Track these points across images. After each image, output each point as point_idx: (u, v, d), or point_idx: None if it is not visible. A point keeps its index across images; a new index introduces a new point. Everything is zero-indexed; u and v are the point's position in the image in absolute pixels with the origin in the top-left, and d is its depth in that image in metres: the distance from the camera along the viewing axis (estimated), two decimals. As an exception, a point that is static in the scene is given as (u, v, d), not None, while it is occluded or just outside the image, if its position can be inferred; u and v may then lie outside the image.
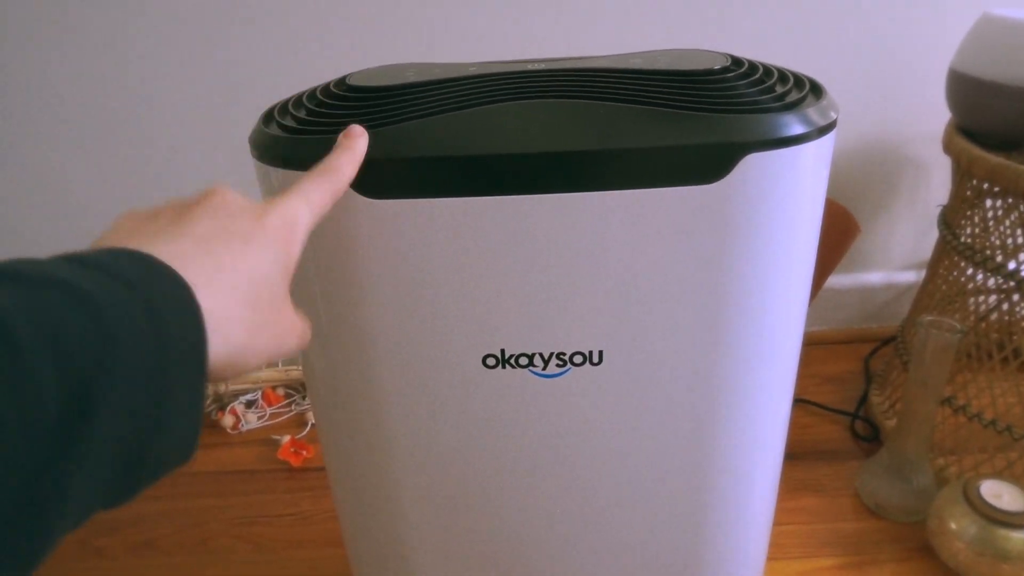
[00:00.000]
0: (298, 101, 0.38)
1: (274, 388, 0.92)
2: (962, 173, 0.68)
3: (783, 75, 0.37)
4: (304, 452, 0.82)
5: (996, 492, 0.62)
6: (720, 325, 0.36)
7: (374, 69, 0.40)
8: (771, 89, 0.35)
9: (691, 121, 0.32)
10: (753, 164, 0.32)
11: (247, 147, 0.36)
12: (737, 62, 0.38)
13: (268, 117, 0.37)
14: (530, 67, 0.39)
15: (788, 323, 0.38)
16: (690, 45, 0.72)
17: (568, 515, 0.42)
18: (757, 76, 0.36)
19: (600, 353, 0.36)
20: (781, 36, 0.83)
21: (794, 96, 0.35)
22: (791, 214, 0.34)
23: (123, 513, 0.76)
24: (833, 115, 0.35)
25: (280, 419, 0.89)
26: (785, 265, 0.35)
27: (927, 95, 0.81)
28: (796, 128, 0.33)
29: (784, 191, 0.33)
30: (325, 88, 0.38)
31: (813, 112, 0.34)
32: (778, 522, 0.70)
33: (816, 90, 0.36)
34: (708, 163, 0.32)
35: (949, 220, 0.72)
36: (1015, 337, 0.67)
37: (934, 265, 0.76)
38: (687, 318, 0.35)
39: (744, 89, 0.35)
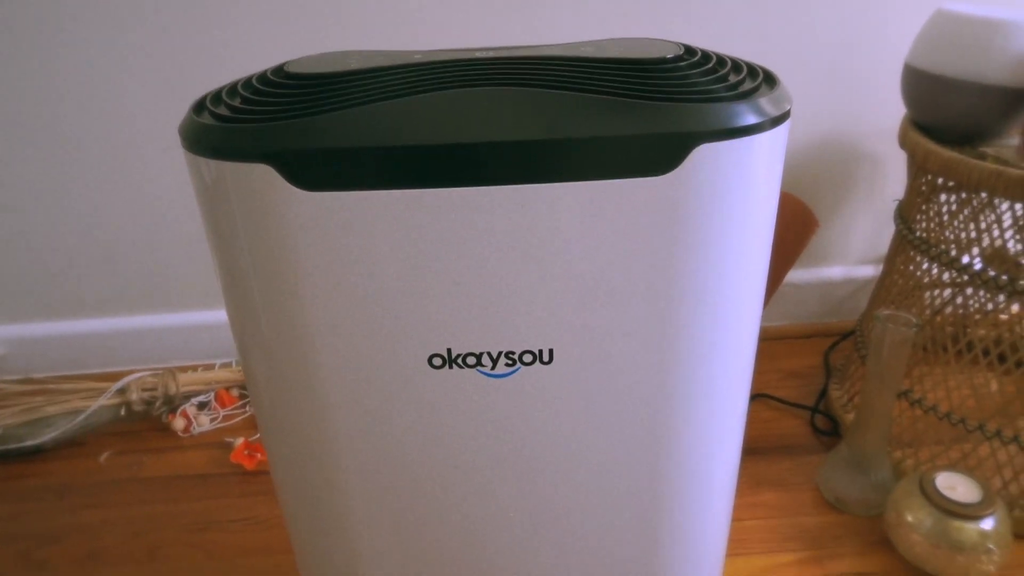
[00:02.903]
0: (232, 89, 0.36)
1: (228, 389, 0.89)
2: (917, 167, 0.68)
3: (736, 65, 0.36)
4: (258, 455, 0.79)
5: (951, 484, 0.62)
6: (673, 320, 0.35)
7: (314, 56, 0.38)
8: (724, 79, 0.34)
9: (642, 110, 0.31)
10: (705, 154, 0.31)
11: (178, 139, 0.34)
12: (690, 51, 0.37)
13: (200, 106, 0.35)
14: (478, 55, 0.38)
15: (743, 317, 0.37)
16: (644, 35, 0.72)
17: (522, 517, 0.41)
18: (710, 65, 0.35)
19: (551, 351, 0.35)
20: (737, 29, 0.82)
21: (747, 86, 0.34)
22: (744, 206, 0.33)
23: (67, 522, 0.73)
24: (787, 105, 0.34)
25: (234, 421, 0.86)
26: (739, 258, 0.35)
27: (883, 90, 0.82)
28: (749, 118, 0.32)
29: (737, 182, 0.32)
30: (262, 76, 0.36)
31: (766, 102, 0.33)
32: (739, 517, 0.70)
33: (769, 80, 0.36)
34: (659, 153, 0.31)
35: (905, 214, 0.72)
36: (969, 331, 0.68)
37: (891, 259, 0.76)
38: (640, 313, 0.34)
39: (696, 78, 0.34)
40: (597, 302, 0.34)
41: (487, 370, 0.35)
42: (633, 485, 0.40)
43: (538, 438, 0.37)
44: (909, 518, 0.62)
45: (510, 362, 0.35)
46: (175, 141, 0.82)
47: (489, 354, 0.35)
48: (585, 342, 0.35)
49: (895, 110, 0.73)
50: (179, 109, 0.82)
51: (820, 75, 0.85)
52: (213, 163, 0.32)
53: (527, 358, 0.35)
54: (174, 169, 0.85)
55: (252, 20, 0.79)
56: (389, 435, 0.37)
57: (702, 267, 0.34)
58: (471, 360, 0.35)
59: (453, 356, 0.35)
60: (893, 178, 0.92)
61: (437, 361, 0.35)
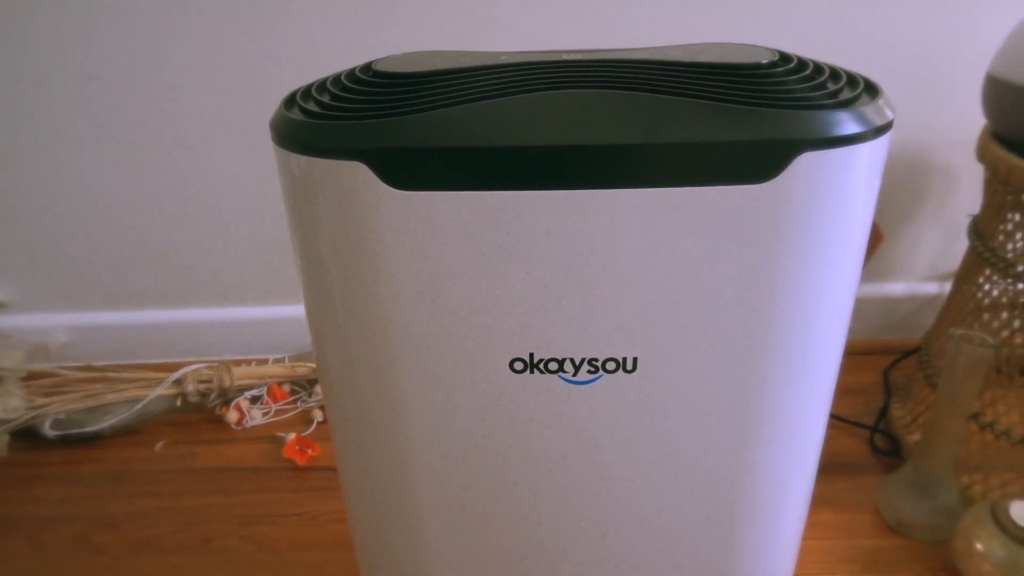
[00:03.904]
0: (321, 86, 0.36)
1: (280, 384, 0.90)
2: (998, 182, 0.66)
3: (835, 72, 0.35)
4: (310, 451, 0.80)
5: (1026, 513, 0.60)
6: (763, 334, 0.34)
7: (400, 56, 0.38)
8: (823, 86, 0.33)
9: (742, 116, 0.30)
10: (807, 163, 0.30)
11: (267, 137, 0.34)
12: (785, 57, 0.35)
13: (290, 101, 0.35)
14: (564, 57, 0.37)
15: (832, 333, 0.36)
16: (713, 39, 0.71)
17: (595, 526, 0.40)
18: (808, 72, 0.34)
19: (635, 360, 0.34)
20: (809, 35, 0.81)
21: (848, 94, 0.33)
22: (844, 218, 0.32)
23: (122, 509, 0.74)
24: (890, 115, 0.33)
25: (285, 416, 0.87)
26: (834, 272, 0.33)
27: (960, 101, 0.79)
28: (852, 127, 0.31)
29: (838, 193, 0.31)
30: (350, 73, 0.36)
31: (869, 111, 0.32)
32: (798, 537, 0.68)
33: (871, 89, 0.34)
34: (760, 161, 0.30)
35: (981, 230, 0.70)
36: (1047, 353, 0.65)
37: (962, 276, 0.74)
38: (729, 325, 0.33)
39: (795, 85, 0.33)
40: (686, 311, 0.33)
41: (569, 376, 0.35)
42: (710, 499, 0.39)
43: (617, 447, 0.37)
44: (979, 547, 0.60)
45: (593, 369, 0.34)
46: (246, 137, 0.84)
47: (572, 360, 0.34)
48: (671, 352, 0.34)
49: (972, 122, 0.70)
50: (249, 107, 0.83)
51: (894, 83, 0.83)
52: (304, 159, 0.32)
53: (610, 366, 0.34)
54: (240, 165, 0.87)
55: (323, 19, 0.79)
56: (465, 437, 0.37)
57: (797, 279, 0.32)
58: (553, 366, 0.34)
59: (535, 361, 0.34)
60: (965, 192, 0.88)
61: (519, 365, 0.34)
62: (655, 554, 0.41)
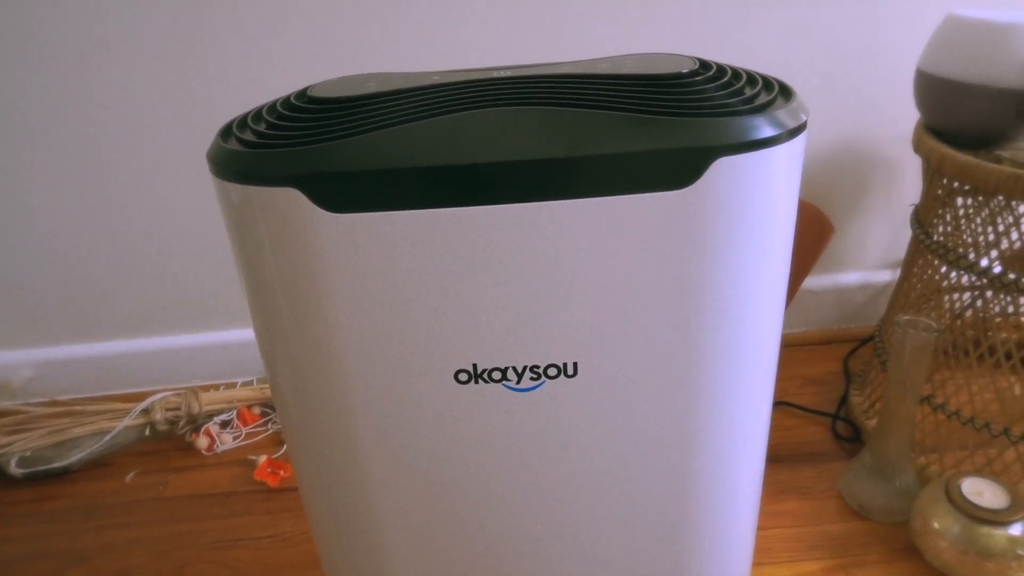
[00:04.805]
0: (257, 114, 0.37)
1: (249, 407, 0.90)
2: (932, 172, 0.68)
3: (752, 78, 0.37)
4: (282, 472, 0.80)
5: (977, 490, 0.62)
6: (696, 332, 0.35)
7: (334, 80, 0.39)
8: (740, 92, 0.35)
9: (660, 126, 0.32)
10: (724, 168, 0.31)
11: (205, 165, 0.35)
12: (705, 65, 0.37)
13: (226, 132, 0.36)
14: (495, 74, 0.38)
15: (765, 326, 0.37)
16: (656, 50, 0.72)
17: (548, 530, 0.41)
18: (725, 79, 0.36)
19: (575, 365, 0.35)
20: (749, 39, 0.83)
21: (763, 99, 0.35)
22: (764, 218, 0.33)
23: (94, 543, 0.74)
24: (803, 117, 0.34)
25: (256, 439, 0.87)
26: (760, 269, 0.35)
27: (896, 96, 0.82)
28: (766, 131, 0.32)
29: (756, 195, 0.33)
30: (285, 100, 0.37)
31: (783, 114, 0.33)
32: (763, 526, 0.69)
33: (785, 92, 0.36)
34: (678, 168, 0.31)
35: (921, 219, 0.72)
36: (990, 334, 0.67)
37: (908, 264, 0.76)
38: (662, 326, 0.34)
39: (712, 92, 0.34)
40: (619, 315, 0.34)
41: (512, 384, 0.36)
42: (658, 495, 0.40)
43: (563, 450, 0.38)
44: (936, 525, 0.61)
45: (535, 376, 0.35)
46: (197, 165, 0.84)
47: (514, 368, 0.35)
48: (608, 355, 0.35)
49: (908, 116, 0.73)
50: (200, 132, 0.84)
51: (832, 82, 0.85)
52: (241, 188, 0.33)
53: (552, 372, 0.35)
54: (195, 191, 0.87)
55: (270, 44, 0.80)
56: (416, 450, 0.38)
57: (723, 279, 0.34)
58: (496, 375, 0.35)
59: (479, 371, 0.35)
60: (909, 183, 0.91)
61: (463, 376, 0.35)
62: (611, 549, 0.42)
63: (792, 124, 0.33)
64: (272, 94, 0.41)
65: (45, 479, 0.82)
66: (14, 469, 0.81)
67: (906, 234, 0.81)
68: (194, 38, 0.79)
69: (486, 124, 0.33)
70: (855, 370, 0.90)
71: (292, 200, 0.32)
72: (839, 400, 0.86)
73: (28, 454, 0.82)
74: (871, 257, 0.97)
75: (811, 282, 0.96)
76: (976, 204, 0.66)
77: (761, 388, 0.40)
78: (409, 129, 0.32)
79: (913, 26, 0.81)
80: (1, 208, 0.87)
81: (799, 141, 0.34)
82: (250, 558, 0.70)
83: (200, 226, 0.89)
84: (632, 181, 0.31)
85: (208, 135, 0.36)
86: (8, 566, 0.72)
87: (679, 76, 0.35)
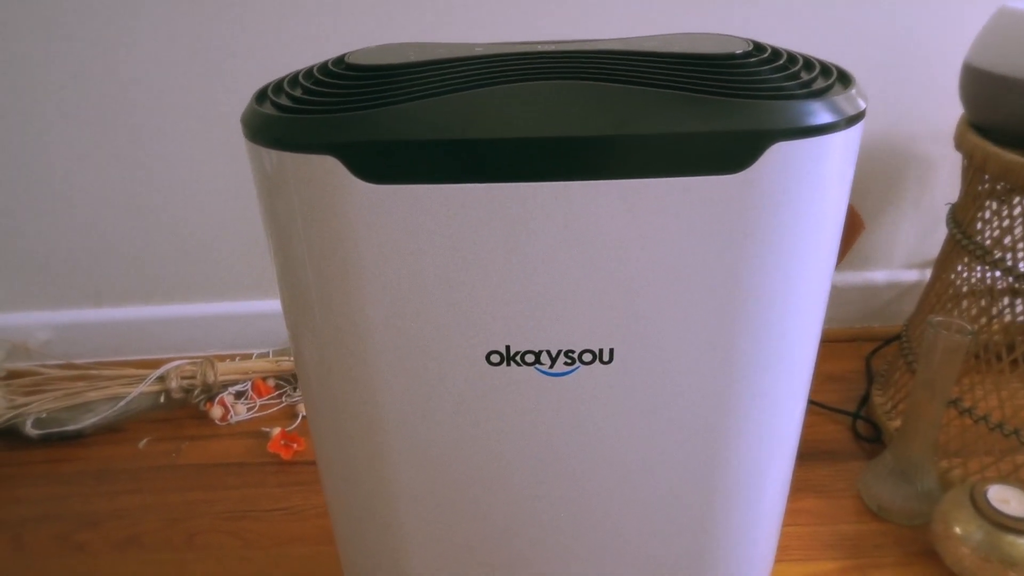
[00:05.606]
0: (294, 79, 0.36)
1: (264, 379, 0.89)
2: (974, 171, 0.66)
3: (808, 62, 0.35)
4: (295, 445, 0.80)
5: (1003, 497, 0.60)
6: (738, 323, 0.34)
7: (373, 48, 0.38)
8: (796, 76, 0.33)
9: (714, 107, 0.30)
10: (779, 153, 0.30)
11: (239, 131, 0.34)
12: (759, 47, 0.36)
13: (261, 96, 0.35)
14: (539, 48, 0.37)
15: (807, 321, 0.36)
16: (692, 29, 0.70)
17: (573, 516, 0.40)
18: (781, 62, 0.34)
19: (611, 351, 0.34)
20: (789, 26, 0.81)
21: (820, 84, 0.33)
22: (816, 207, 0.32)
23: (105, 507, 0.74)
24: (862, 104, 0.33)
25: (270, 411, 0.87)
26: (807, 260, 0.34)
27: (937, 91, 0.80)
28: (825, 116, 0.31)
29: (810, 183, 0.31)
30: (322, 66, 0.36)
31: (842, 100, 0.32)
32: (780, 524, 0.69)
33: (844, 78, 0.34)
34: (733, 151, 0.30)
35: (959, 218, 0.70)
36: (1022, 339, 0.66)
37: (941, 264, 0.74)
38: (704, 315, 0.33)
39: (768, 75, 0.33)
40: (661, 302, 0.33)
41: (546, 368, 0.35)
42: (687, 487, 0.39)
43: (593, 438, 0.37)
44: (958, 530, 0.60)
45: (569, 361, 0.34)
46: (222, 133, 0.83)
47: (548, 352, 0.34)
48: (646, 343, 0.34)
49: (950, 111, 0.71)
50: (227, 100, 0.83)
51: (873, 73, 0.83)
52: (275, 153, 0.32)
53: (587, 357, 0.34)
54: (221, 161, 0.86)
55: (304, 11, 0.79)
56: (442, 431, 0.37)
57: (770, 268, 0.33)
58: (530, 358, 0.34)
59: (511, 353, 0.34)
60: (945, 181, 0.89)
61: (495, 358, 0.34)
62: (635, 540, 0.41)
63: (851, 111, 0.32)
64: (305, 62, 0.40)
65: (59, 441, 0.83)
66: (29, 430, 0.81)
67: (936, 234, 0.79)
68: (226, 2, 0.78)
69: (531, 98, 0.31)
70: (878, 369, 0.89)
71: (329, 168, 0.31)
72: (860, 399, 0.85)
73: (44, 416, 0.82)
74: (899, 255, 0.95)
75: (837, 278, 0.95)
76: (1020, 205, 0.64)
77: (798, 385, 0.39)
78: (451, 100, 0.31)
79: (956, 22, 0.79)
80: (26, 172, 0.86)
81: (857, 129, 0.33)
82: (261, 530, 0.70)
83: (224, 196, 0.88)
84: (682, 163, 0.30)
85: (236, 102, 0.35)
86: (20, 526, 0.72)
87: (733, 56, 0.34)
